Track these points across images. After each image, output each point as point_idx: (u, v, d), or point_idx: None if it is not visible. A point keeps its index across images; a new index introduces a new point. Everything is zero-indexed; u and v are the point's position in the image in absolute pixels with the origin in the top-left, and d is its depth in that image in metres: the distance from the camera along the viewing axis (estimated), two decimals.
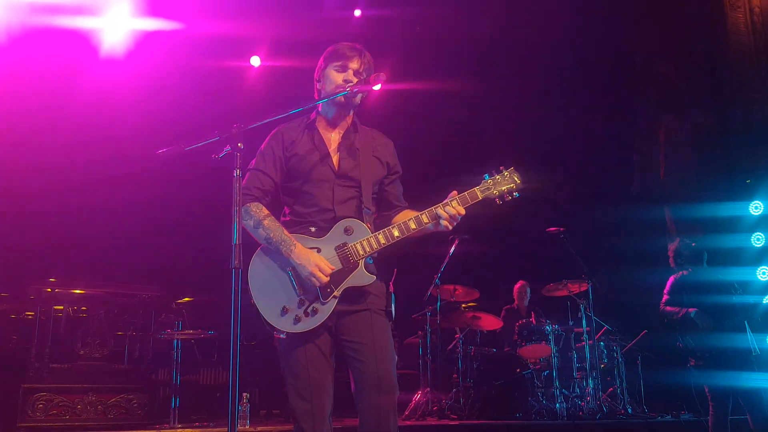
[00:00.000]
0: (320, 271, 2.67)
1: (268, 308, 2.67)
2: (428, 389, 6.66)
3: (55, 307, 5.47)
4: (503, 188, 2.90)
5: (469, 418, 6.32)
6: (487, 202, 2.88)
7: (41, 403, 5.05)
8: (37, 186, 6.95)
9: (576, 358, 7.09)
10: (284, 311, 2.67)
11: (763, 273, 7.46)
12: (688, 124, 9.00)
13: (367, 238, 2.78)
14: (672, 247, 5.78)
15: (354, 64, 2.91)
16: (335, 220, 2.79)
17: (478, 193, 2.88)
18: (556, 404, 6.49)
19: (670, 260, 5.77)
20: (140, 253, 7.15)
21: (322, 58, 3.00)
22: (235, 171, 2.68)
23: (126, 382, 5.47)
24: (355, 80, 2.89)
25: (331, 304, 2.70)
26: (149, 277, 6.21)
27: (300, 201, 2.86)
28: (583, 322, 7.04)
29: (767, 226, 7.81)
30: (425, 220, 2.82)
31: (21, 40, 6.90)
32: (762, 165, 8.23)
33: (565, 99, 8.86)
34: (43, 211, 6.88)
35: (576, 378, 7.02)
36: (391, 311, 2.87)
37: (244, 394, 5.47)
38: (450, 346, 7.23)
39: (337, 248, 2.76)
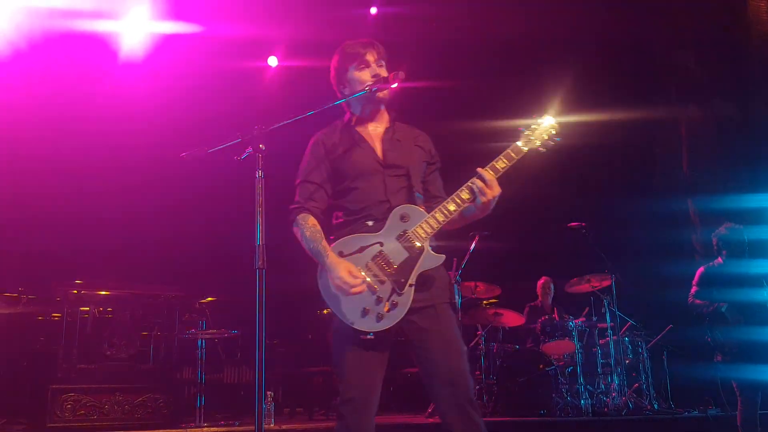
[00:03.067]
0: (351, 276, 2.64)
1: (348, 312, 2.67)
2: None
3: (82, 308, 5.54)
4: (544, 135, 2.88)
5: (493, 416, 6.30)
6: (531, 153, 2.84)
7: (69, 404, 5.12)
8: (62, 188, 7.05)
9: (600, 354, 7.03)
10: (365, 312, 2.66)
11: None
12: (710, 115, 8.87)
13: (426, 220, 2.76)
14: (719, 232, 5.63)
15: (372, 57, 2.94)
16: (390, 210, 2.78)
17: (522, 147, 2.84)
18: (580, 401, 6.44)
19: (714, 248, 5.64)
20: (164, 253, 7.22)
21: (336, 64, 3.02)
22: (257, 172, 2.70)
23: (152, 381, 5.52)
24: (380, 71, 2.93)
25: (409, 294, 2.69)
26: (173, 278, 6.26)
27: (351, 199, 2.85)
28: (607, 317, 6.98)
29: None
30: (488, 176, 2.73)
31: (41, 45, 6.99)
32: None
33: (585, 91, 8.78)
34: (68, 213, 6.98)
35: (600, 374, 6.96)
36: (455, 302, 2.88)
37: (269, 392, 5.51)
38: (472, 343, 7.21)
39: (398, 238, 2.75)
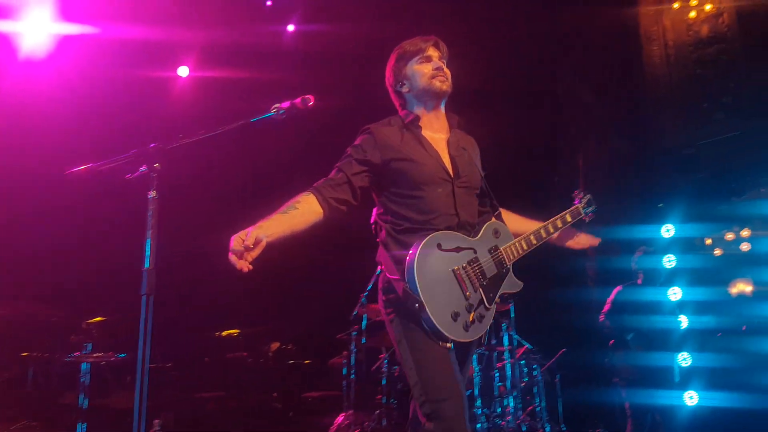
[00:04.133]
0: (245, 236, 2.43)
1: (441, 313, 2.46)
2: (351, 411, 6.57)
3: None
4: (589, 209, 3.29)
5: None
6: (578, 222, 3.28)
7: None
8: None
9: (498, 377, 7.17)
10: (455, 316, 2.49)
11: (674, 294, 7.78)
12: (606, 150, 9.35)
13: (514, 243, 2.76)
14: (636, 256, 5.92)
15: (435, 53, 2.89)
16: (460, 225, 2.69)
17: (581, 210, 3.27)
18: (477, 424, 6.52)
19: (632, 271, 5.89)
20: (48, 270, 6.74)
21: (394, 60, 2.93)
22: (150, 192, 2.58)
23: (29, 407, 5.13)
24: (443, 65, 2.87)
25: (493, 310, 2.62)
26: (56, 296, 5.87)
27: (415, 207, 2.69)
28: (505, 340, 7.13)
29: (678, 248, 8.15)
30: (559, 224, 3.08)
31: None
32: (673, 190, 8.62)
33: (493, 123, 9.02)
34: None
35: (497, 397, 7.09)
36: (484, 342, 2.80)
37: (156, 420, 5.23)
38: (374, 367, 7.18)
39: (490, 251, 2.68)
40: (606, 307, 5.80)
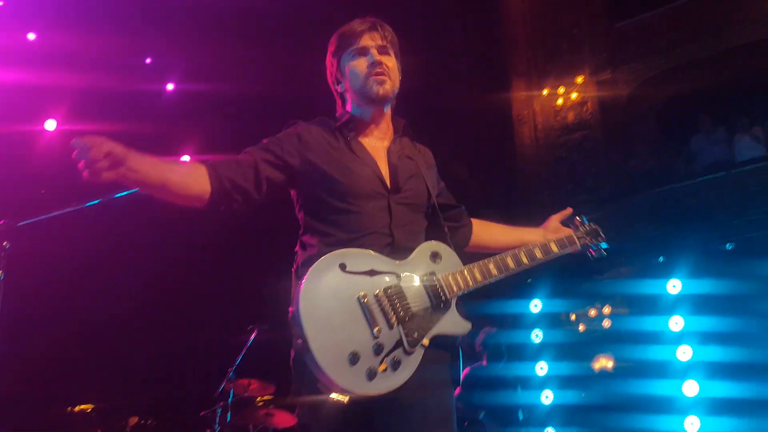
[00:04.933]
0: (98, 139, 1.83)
1: (331, 353, 1.85)
2: None
3: None
4: (595, 242, 2.70)
5: None
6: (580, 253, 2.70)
7: None
8: None
9: None
10: (354, 358, 1.87)
11: (541, 368, 8.04)
12: None
13: (462, 271, 2.19)
14: (480, 337, 6.04)
15: (371, 41, 2.32)
16: (394, 249, 2.15)
17: (577, 243, 2.65)
18: None
19: (476, 351, 5.99)
20: None
21: (329, 56, 2.43)
22: None
23: None
24: (384, 59, 2.32)
25: (418, 356, 2.01)
26: None
27: (340, 224, 2.18)
28: None
29: (545, 323, 8.48)
30: (539, 255, 2.50)
31: None
32: (541, 266, 9.06)
33: None
34: None
35: None
36: (459, 378, 2.29)
37: None
38: None
39: (423, 279, 2.11)
40: (456, 391, 5.92)
